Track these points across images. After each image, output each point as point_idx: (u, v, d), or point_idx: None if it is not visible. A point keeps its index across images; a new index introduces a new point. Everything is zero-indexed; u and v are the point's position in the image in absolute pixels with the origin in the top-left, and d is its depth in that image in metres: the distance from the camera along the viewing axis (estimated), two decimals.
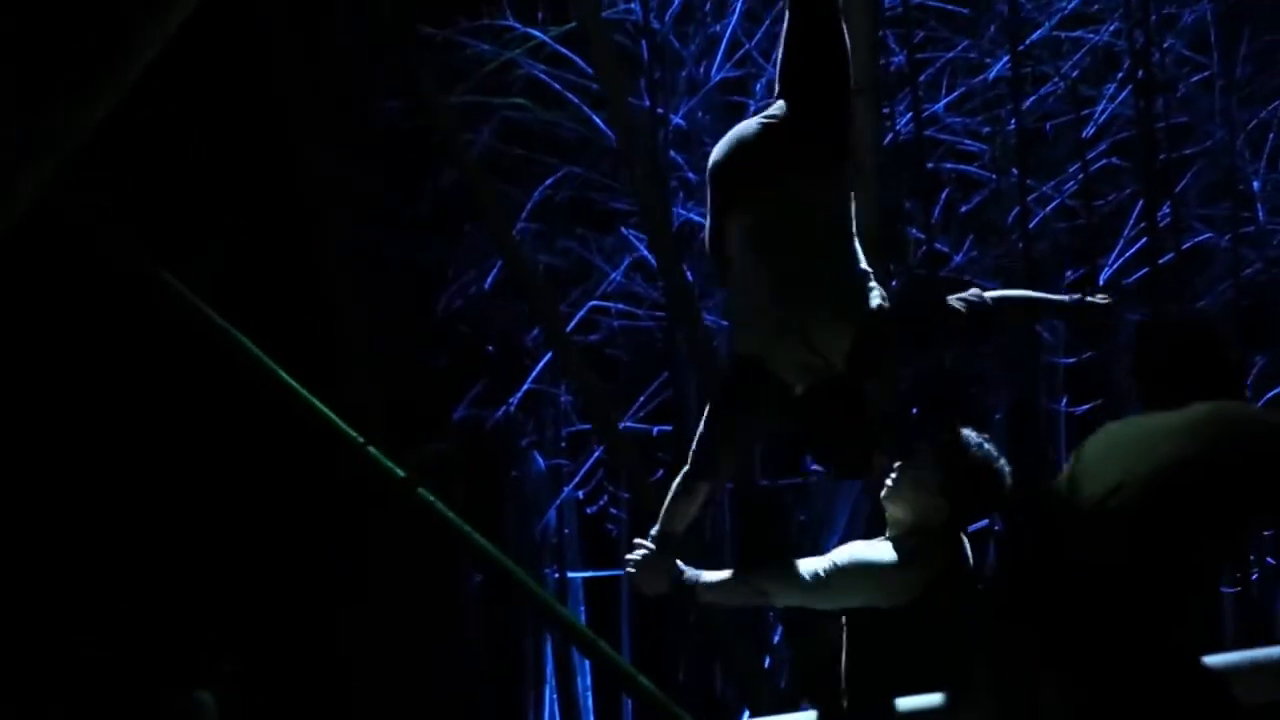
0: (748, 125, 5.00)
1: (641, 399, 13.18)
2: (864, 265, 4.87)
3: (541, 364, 13.13)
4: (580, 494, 13.54)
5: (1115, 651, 3.94)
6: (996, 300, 5.02)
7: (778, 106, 4.97)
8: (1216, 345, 4.31)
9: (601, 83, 10.39)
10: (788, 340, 4.77)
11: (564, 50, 12.93)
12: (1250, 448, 4.04)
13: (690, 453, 4.95)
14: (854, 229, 4.92)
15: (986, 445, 5.06)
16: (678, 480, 4.98)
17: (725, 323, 13.10)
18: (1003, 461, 5.07)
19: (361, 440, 8.29)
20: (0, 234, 8.05)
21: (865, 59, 8.83)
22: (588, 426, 12.75)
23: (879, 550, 4.96)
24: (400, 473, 8.27)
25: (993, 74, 13.73)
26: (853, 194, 4.93)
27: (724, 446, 4.95)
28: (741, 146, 4.93)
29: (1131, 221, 13.91)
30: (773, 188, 4.80)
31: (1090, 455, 4.17)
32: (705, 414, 4.96)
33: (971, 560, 5.04)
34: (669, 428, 12.70)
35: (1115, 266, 13.92)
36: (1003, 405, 14.06)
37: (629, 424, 12.97)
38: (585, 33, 10.30)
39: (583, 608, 13.16)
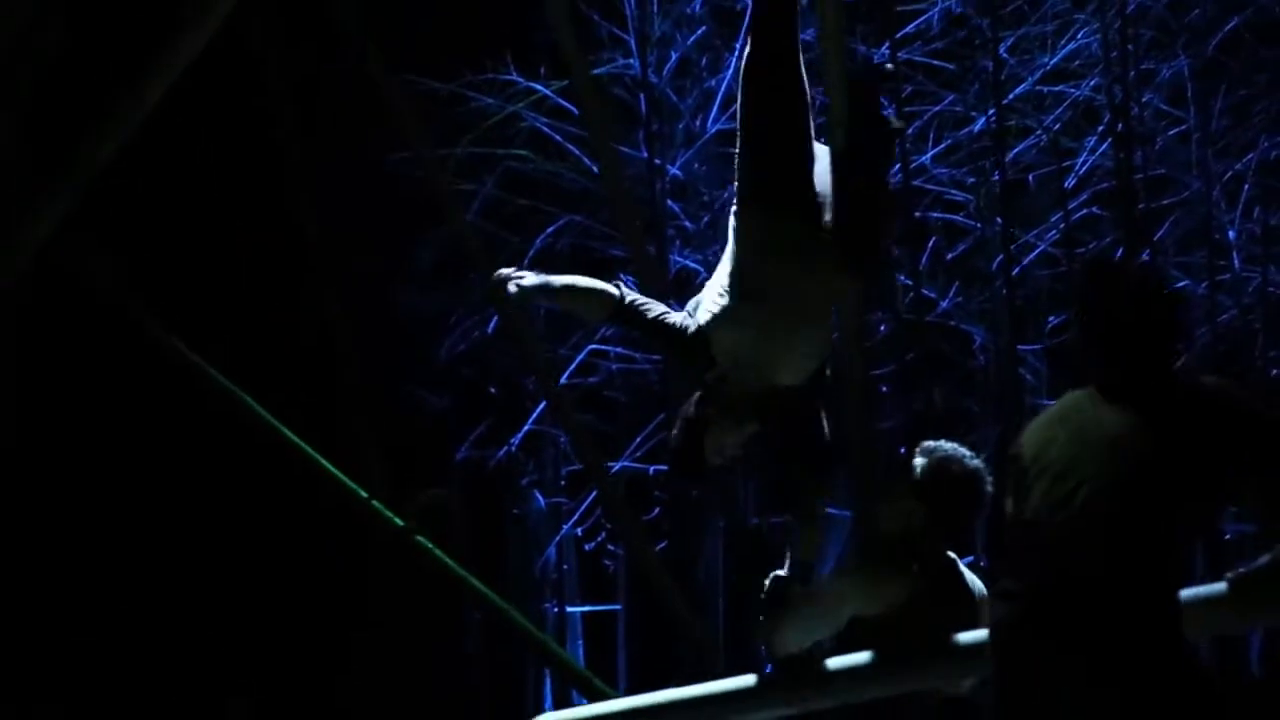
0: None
1: (639, 439, 13.54)
2: None
3: (542, 406, 13.46)
4: (579, 531, 13.87)
5: (1124, 651, 3.95)
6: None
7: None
8: (1167, 301, 4.21)
9: (592, 141, 10.73)
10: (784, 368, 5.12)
11: (565, 103, 13.33)
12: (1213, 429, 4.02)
13: None
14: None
15: (959, 450, 5.28)
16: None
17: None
18: (978, 461, 5.26)
19: (365, 494, 8.67)
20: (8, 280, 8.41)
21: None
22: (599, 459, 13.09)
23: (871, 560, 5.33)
24: (399, 523, 8.63)
25: (977, 127, 14.12)
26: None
27: None
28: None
29: None
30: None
31: (1049, 450, 4.11)
32: None
33: (963, 571, 5.30)
34: (665, 467, 13.03)
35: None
36: (988, 445, 14.40)
37: (627, 463, 13.30)
38: (578, 94, 10.64)
39: (580, 641, 13.46)
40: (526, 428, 13.40)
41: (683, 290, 13.56)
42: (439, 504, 11.81)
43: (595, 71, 12.91)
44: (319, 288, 10.59)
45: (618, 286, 5.40)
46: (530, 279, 5.43)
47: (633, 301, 5.37)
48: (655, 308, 5.38)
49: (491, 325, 13.39)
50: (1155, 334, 4.14)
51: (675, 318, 5.30)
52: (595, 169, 12.84)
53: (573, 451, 13.42)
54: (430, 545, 9.11)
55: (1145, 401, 4.06)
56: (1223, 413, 4.05)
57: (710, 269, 13.37)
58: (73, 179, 8.09)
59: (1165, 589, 4.03)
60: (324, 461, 8.38)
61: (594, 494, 13.28)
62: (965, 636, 4.97)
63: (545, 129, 13.35)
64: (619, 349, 13.53)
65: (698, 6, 13.36)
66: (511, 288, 5.40)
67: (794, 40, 5.15)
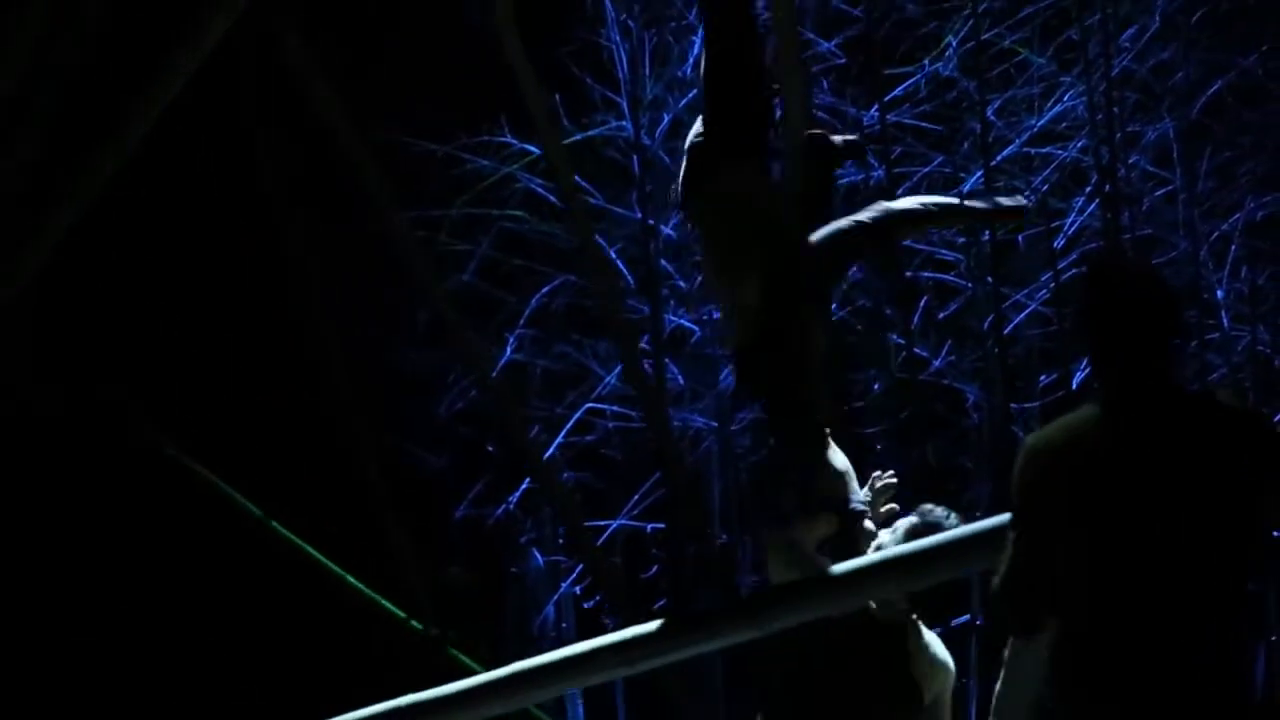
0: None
1: (636, 497, 13.57)
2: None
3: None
4: (578, 589, 13.88)
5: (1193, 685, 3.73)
6: (902, 210, 5.44)
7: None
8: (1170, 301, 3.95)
9: (565, 204, 10.84)
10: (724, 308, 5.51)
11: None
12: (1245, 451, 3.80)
13: None
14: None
15: (940, 513, 5.36)
16: None
17: (701, 422, 13.53)
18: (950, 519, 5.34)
19: (404, 615, 8.65)
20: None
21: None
22: (588, 525, 13.12)
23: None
24: (432, 632, 8.58)
25: (966, 187, 14.25)
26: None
27: None
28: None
29: None
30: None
31: (1080, 501, 3.78)
32: None
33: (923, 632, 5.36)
34: (662, 525, 13.09)
35: (1087, 370, 14.37)
36: (982, 503, 14.43)
37: (624, 521, 13.33)
38: (549, 162, 10.77)
39: (580, 702, 13.41)
40: (524, 486, 13.44)
41: (677, 347, 13.66)
42: (464, 584, 11.80)
43: (590, 133, 13.07)
44: (324, 368, 10.62)
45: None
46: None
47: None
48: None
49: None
50: (1164, 336, 3.89)
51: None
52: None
53: (561, 523, 13.47)
54: (460, 655, 9.07)
55: (1167, 424, 3.81)
56: (1252, 435, 3.83)
57: (705, 327, 13.46)
58: (79, 191, 8.19)
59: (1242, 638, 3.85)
60: (361, 585, 8.38)
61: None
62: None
63: (539, 190, 13.48)
64: (615, 407, 13.60)
65: (688, 70, 13.54)
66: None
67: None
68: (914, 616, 5.38)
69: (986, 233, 13.80)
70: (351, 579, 7.83)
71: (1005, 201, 5.54)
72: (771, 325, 5.36)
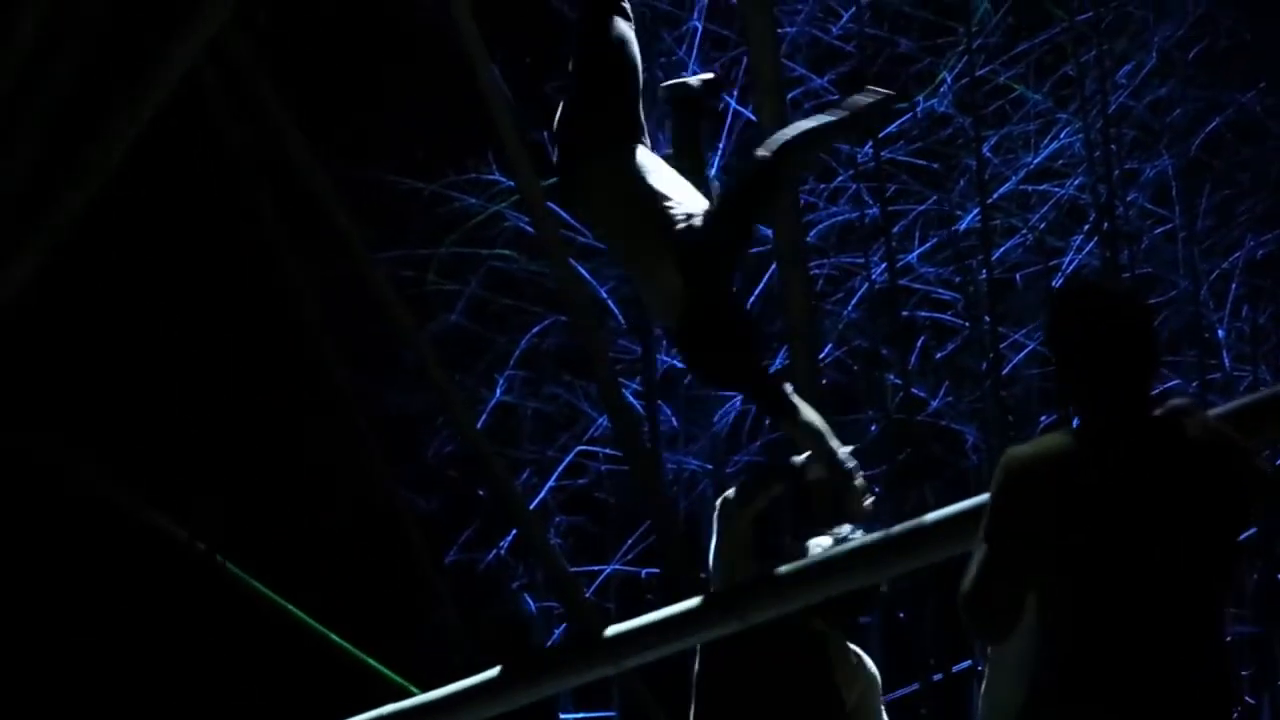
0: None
1: (630, 541, 13.34)
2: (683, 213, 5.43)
3: (530, 506, 13.28)
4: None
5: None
6: (776, 150, 5.32)
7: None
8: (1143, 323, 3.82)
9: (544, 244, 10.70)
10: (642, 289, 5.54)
11: (548, 205, 13.25)
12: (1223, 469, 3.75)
13: None
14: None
15: None
16: None
17: (695, 464, 13.35)
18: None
19: (414, 690, 8.41)
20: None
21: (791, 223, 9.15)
22: (579, 569, 12.90)
23: None
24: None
25: (963, 225, 14.13)
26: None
27: None
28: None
29: None
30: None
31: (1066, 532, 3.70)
32: None
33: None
34: (656, 570, 12.85)
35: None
36: None
37: (618, 566, 13.11)
38: (526, 202, 10.69)
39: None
40: (516, 530, 13.21)
41: (670, 389, 13.44)
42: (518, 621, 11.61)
43: None
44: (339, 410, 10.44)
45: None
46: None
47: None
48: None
49: (478, 426, 13.23)
50: (1141, 359, 3.76)
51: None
52: (580, 268, 12.79)
53: (545, 577, 13.27)
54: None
55: (1147, 448, 3.72)
56: (1232, 462, 3.75)
57: None
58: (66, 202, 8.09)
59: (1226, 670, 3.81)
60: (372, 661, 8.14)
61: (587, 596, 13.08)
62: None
63: (528, 228, 13.28)
64: (607, 450, 13.38)
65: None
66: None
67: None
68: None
69: (984, 271, 13.62)
70: (334, 636, 7.62)
71: (865, 99, 5.40)
72: (699, 300, 5.34)
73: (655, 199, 5.40)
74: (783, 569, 5.11)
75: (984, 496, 4.37)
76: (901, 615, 13.43)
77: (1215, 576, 3.71)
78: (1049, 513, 3.65)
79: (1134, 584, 3.66)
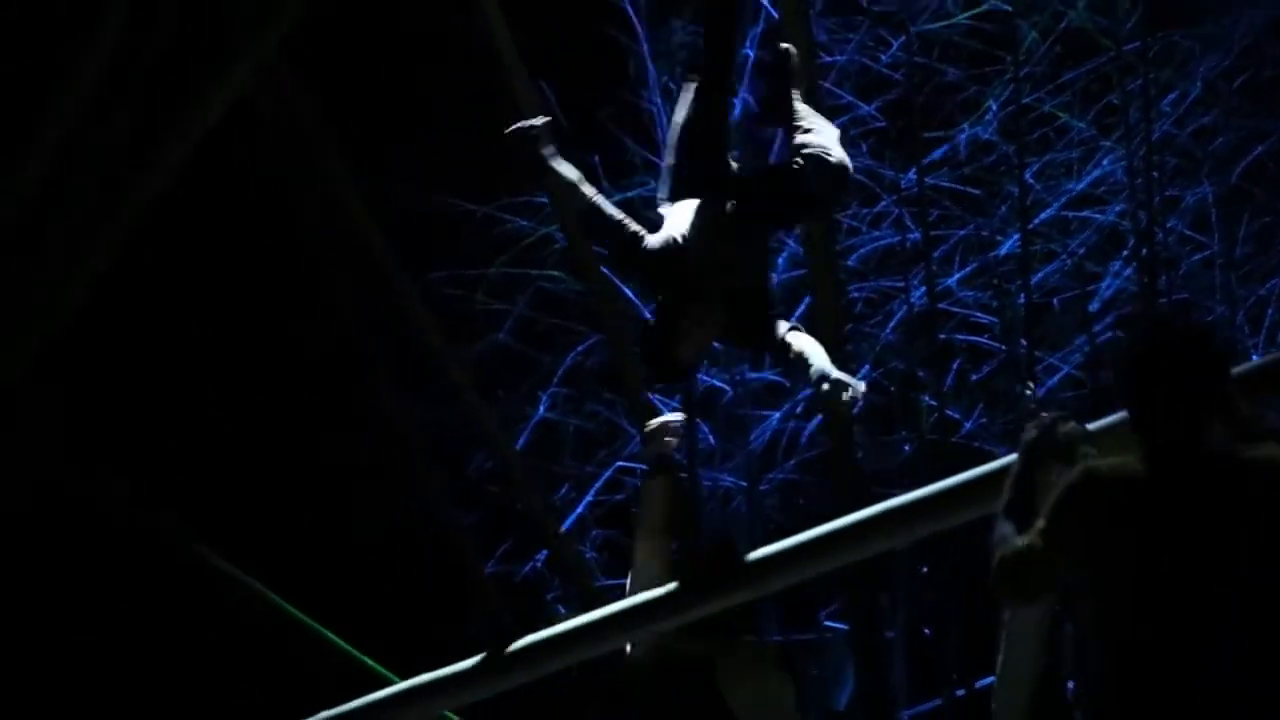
0: None
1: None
2: None
3: (569, 521, 13.64)
4: None
5: None
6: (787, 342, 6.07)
7: None
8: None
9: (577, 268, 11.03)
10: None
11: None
12: None
13: None
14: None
15: None
16: None
17: (730, 481, 13.64)
18: None
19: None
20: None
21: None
22: (614, 581, 13.23)
23: None
24: None
25: (1003, 250, 14.33)
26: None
27: None
28: None
29: None
30: None
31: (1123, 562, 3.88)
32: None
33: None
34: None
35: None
36: None
37: None
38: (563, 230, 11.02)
39: None
40: (547, 551, 13.53)
41: (709, 407, 13.78)
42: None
43: (629, 194, 13.20)
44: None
45: (593, 188, 6.13)
46: (547, 148, 6.08)
47: (599, 203, 6.06)
48: (619, 214, 6.14)
49: (521, 442, 13.62)
50: (1208, 389, 3.97)
51: (634, 228, 6.12)
52: (625, 289, 13.12)
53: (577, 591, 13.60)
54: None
55: (1218, 475, 3.91)
56: None
57: (735, 387, 13.55)
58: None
59: None
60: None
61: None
62: None
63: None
64: (645, 465, 13.65)
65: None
66: (534, 144, 6.06)
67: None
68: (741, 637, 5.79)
69: (1022, 295, 13.85)
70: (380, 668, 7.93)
71: (842, 379, 5.96)
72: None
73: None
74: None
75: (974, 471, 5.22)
76: (926, 631, 13.74)
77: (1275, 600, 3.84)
78: (1111, 528, 3.86)
79: (1189, 609, 3.81)
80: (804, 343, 6.04)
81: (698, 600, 5.77)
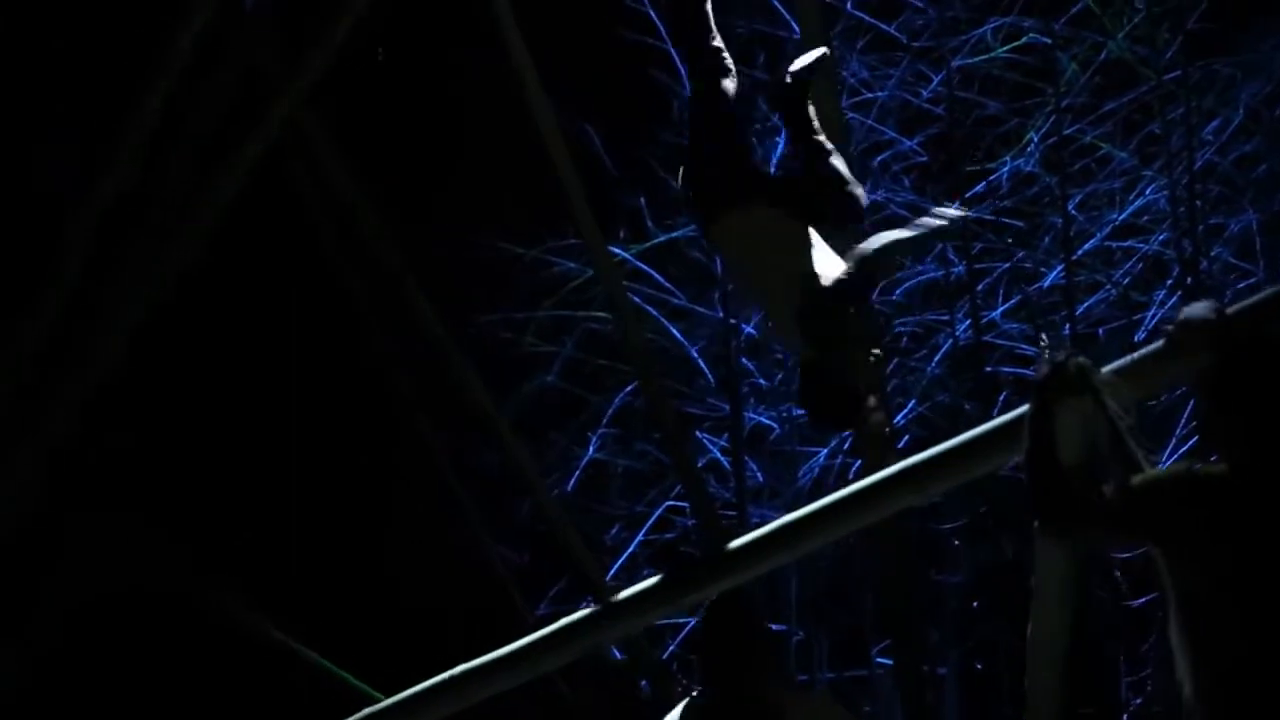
0: None
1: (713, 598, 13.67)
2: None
3: (619, 561, 13.73)
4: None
5: None
6: (866, 259, 5.83)
7: None
8: None
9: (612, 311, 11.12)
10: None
11: (643, 266, 13.74)
12: None
13: None
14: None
15: None
16: None
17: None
18: None
19: None
20: None
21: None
22: (664, 622, 13.35)
23: None
24: None
25: (1047, 282, 14.37)
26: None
27: None
28: None
29: (1183, 421, 14.43)
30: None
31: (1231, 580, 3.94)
32: None
33: None
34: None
35: (1168, 464, 14.37)
36: None
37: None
38: (597, 270, 11.13)
39: None
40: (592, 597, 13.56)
41: (757, 444, 13.85)
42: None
43: (673, 235, 13.33)
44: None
45: None
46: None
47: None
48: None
49: (571, 482, 13.74)
50: None
51: None
52: (672, 329, 13.25)
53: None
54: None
55: None
56: None
57: (785, 424, 13.59)
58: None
59: None
60: None
61: (670, 649, 13.46)
62: None
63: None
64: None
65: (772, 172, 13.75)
66: None
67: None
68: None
69: (1067, 326, 13.90)
70: None
71: (937, 221, 5.88)
72: (813, 359, 5.81)
73: (786, 250, 5.87)
74: None
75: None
76: (979, 666, 13.79)
77: None
78: (1208, 535, 3.96)
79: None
80: (885, 236, 6.01)
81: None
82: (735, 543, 6.21)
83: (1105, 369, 4.75)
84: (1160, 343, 4.84)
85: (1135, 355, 5.18)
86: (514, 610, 10.57)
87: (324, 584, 12.55)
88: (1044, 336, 6.43)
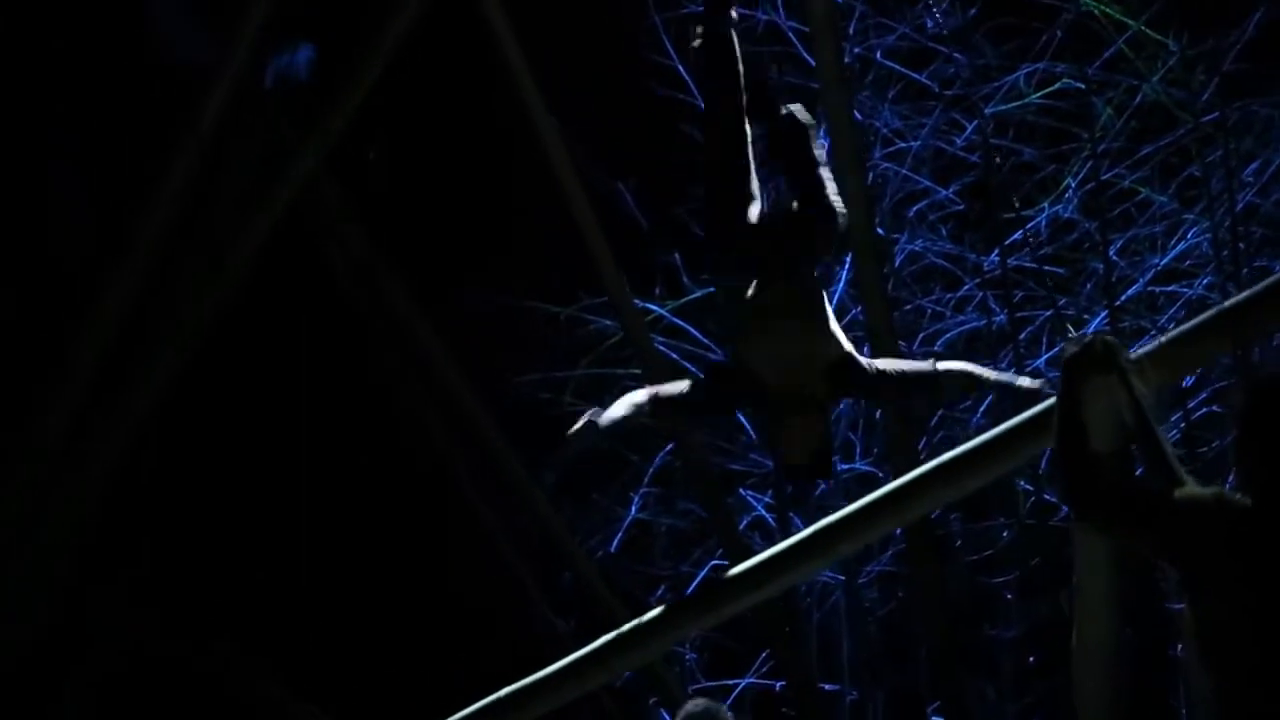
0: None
1: (764, 655, 13.51)
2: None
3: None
4: None
5: None
6: (943, 372, 6.11)
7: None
8: None
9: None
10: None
11: (679, 322, 13.61)
12: None
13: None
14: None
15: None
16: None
17: (828, 575, 13.48)
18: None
19: None
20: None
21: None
22: (712, 683, 13.13)
23: None
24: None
25: (1091, 329, 14.16)
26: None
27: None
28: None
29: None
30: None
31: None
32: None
33: None
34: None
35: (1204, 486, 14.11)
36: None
37: (752, 680, 13.28)
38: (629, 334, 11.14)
39: None
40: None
41: (801, 501, 13.64)
42: None
43: (710, 290, 13.19)
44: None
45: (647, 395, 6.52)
46: (601, 418, 6.54)
47: (659, 394, 6.52)
48: (681, 383, 6.59)
49: (614, 543, 13.56)
50: None
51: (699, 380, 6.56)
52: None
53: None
54: None
55: None
56: None
57: (829, 480, 13.38)
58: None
59: None
60: None
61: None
62: None
63: (661, 348, 13.56)
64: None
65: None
66: (590, 425, 6.49)
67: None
68: None
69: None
70: None
71: (1024, 385, 6.24)
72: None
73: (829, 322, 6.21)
74: None
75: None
76: None
77: None
78: (1226, 545, 4.05)
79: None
80: (954, 365, 6.22)
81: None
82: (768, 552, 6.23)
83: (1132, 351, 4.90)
84: (1175, 330, 5.15)
85: (1162, 339, 5.37)
86: None
87: (373, 658, 12.39)
88: (1069, 329, 6.62)
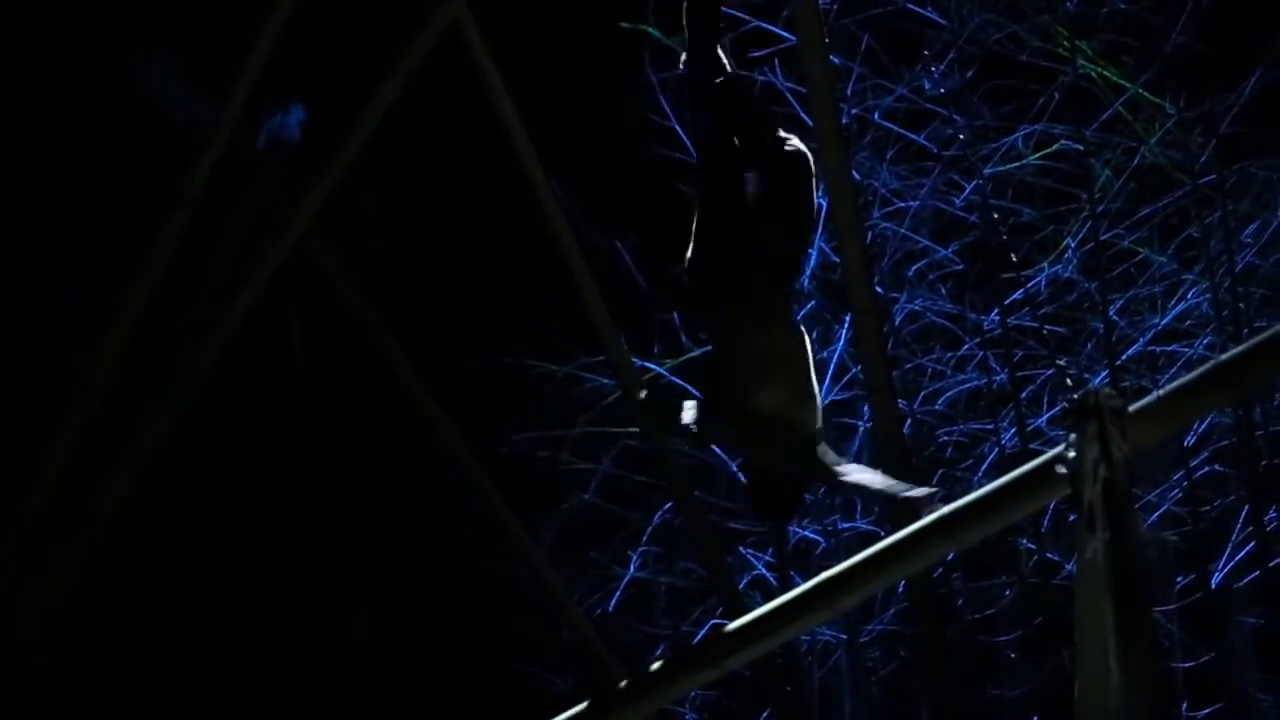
0: None
1: (765, 714, 13.43)
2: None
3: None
4: None
5: None
6: (837, 481, 6.29)
7: None
8: None
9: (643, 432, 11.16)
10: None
11: (678, 381, 13.61)
12: None
13: None
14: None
15: None
16: None
17: (829, 635, 13.41)
18: None
19: None
20: None
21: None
22: None
23: None
24: None
25: (1094, 384, 14.15)
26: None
27: None
28: None
29: (1238, 527, 14.14)
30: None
31: None
32: None
33: None
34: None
35: (1225, 571, 14.10)
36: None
37: None
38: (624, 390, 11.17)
39: None
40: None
41: (802, 560, 13.60)
42: None
43: (708, 349, 13.17)
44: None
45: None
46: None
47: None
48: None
49: (613, 602, 13.51)
50: None
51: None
52: (714, 446, 13.02)
53: None
54: None
55: None
56: None
57: (830, 538, 13.37)
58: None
59: None
60: None
61: None
62: None
63: None
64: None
65: (805, 283, 13.68)
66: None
67: None
68: None
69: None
70: None
71: (914, 494, 6.07)
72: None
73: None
74: None
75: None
76: None
77: None
78: None
79: None
80: (861, 475, 6.16)
81: None
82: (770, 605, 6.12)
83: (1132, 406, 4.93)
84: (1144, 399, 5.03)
85: (1159, 393, 5.20)
86: None
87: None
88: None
